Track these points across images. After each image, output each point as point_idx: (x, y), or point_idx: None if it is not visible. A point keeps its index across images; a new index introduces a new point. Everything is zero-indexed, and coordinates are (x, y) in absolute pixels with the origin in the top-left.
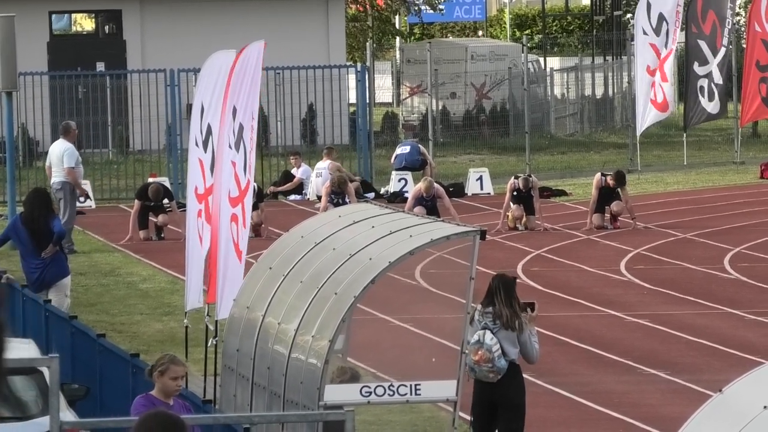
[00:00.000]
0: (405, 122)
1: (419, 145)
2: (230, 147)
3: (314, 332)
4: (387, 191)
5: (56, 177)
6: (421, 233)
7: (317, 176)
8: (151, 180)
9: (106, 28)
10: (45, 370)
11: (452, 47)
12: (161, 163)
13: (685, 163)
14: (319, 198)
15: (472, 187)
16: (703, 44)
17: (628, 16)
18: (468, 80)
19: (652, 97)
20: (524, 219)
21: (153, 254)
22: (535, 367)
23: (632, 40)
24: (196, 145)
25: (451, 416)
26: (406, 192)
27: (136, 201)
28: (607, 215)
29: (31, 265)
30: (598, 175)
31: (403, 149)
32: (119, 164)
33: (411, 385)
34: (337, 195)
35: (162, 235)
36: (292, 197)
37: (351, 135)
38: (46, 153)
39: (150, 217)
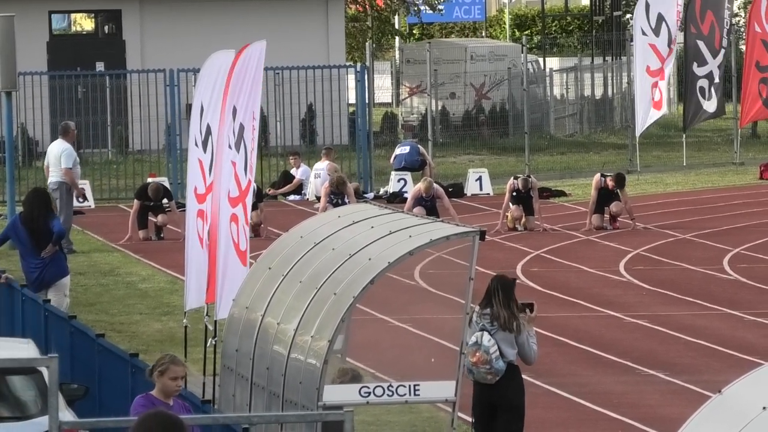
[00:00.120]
0: (404, 122)
1: (419, 146)
2: (230, 147)
3: (313, 332)
4: (386, 191)
5: (53, 177)
6: (420, 234)
7: (316, 177)
8: (150, 180)
9: (106, 28)
10: (44, 370)
11: (452, 47)
12: (161, 163)
13: (684, 164)
14: (318, 198)
15: (471, 188)
16: (701, 45)
17: (628, 16)
18: (467, 80)
19: (653, 98)
20: (523, 219)
21: (152, 254)
22: (533, 367)
23: (632, 40)
24: (196, 145)
25: (449, 417)
26: (406, 192)
27: (135, 201)
28: (607, 216)
29: (30, 265)
30: (598, 175)
31: (402, 149)
32: (119, 164)
33: (410, 386)
34: (337, 195)
35: (161, 235)
36: (292, 197)
37: (350, 135)
38: (46, 153)
39: (149, 217)
